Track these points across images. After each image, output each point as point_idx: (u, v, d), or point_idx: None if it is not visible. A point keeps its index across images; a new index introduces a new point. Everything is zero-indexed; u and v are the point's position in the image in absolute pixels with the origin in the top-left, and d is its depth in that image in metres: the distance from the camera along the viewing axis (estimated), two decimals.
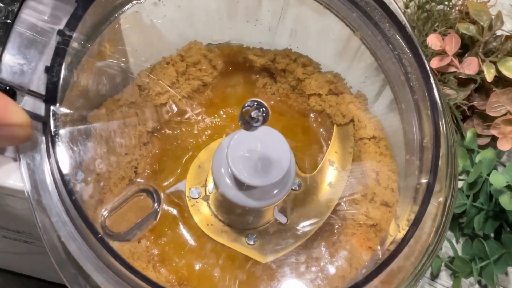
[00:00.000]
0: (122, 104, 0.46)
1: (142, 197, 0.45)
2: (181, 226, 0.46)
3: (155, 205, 0.44)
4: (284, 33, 0.51)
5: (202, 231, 0.46)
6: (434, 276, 0.62)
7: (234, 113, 0.50)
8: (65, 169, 0.37)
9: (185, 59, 0.49)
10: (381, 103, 0.50)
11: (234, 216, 0.45)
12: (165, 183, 0.46)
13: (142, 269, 0.43)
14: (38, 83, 0.38)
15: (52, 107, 0.37)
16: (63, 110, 0.38)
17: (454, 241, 0.63)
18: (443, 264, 0.62)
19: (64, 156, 0.37)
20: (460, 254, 0.61)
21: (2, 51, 0.37)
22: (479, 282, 0.62)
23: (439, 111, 0.43)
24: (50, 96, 0.37)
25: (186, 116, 0.49)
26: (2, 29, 0.37)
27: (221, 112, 0.50)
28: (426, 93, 0.43)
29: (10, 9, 0.38)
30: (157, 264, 0.44)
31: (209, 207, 0.46)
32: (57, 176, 0.37)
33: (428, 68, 0.44)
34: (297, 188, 0.48)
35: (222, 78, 0.51)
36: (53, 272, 0.59)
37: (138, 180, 0.46)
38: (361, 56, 0.50)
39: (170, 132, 0.48)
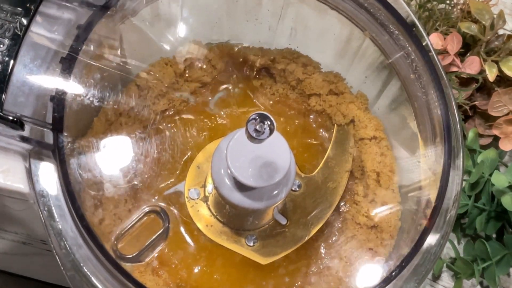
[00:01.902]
0: (122, 111, 0.46)
1: (152, 216, 0.45)
2: (180, 228, 0.45)
3: (165, 224, 0.44)
4: (284, 32, 0.51)
5: (202, 232, 0.45)
6: (436, 277, 0.62)
7: (233, 114, 0.50)
8: (76, 194, 0.38)
9: (185, 59, 0.49)
10: (382, 103, 0.50)
11: (234, 217, 0.45)
12: (164, 184, 0.46)
13: (140, 272, 0.43)
14: (43, 112, 0.39)
15: (59, 135, 0.38)
16: (70, 136, 0.40)
17: (455, 242, 0.62)
18: (444, 265, 0.61)
19: (74, 181, 0.39)
20: (461, 255, 0.61)
21: (7, 83, 0.37)
22: (481, 284, 0.62)
23: (448, 105, 0.43)
24: (57, 125, 0.39)
25: (185, 116, 0.49)
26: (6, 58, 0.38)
27: (222, 112, 0.50)
28: (434, 89, 0.44)
29: (18, 24, 0.38)
30: (156, 267, 0.44)
31: (209, 208, 0.46)
32: (69, 201, 0.38)
33: (439, 66, 0.44)
34: (297, 189, 0.47)
35: (221, 78, 0.50)
36: (50, 273, 0.59)
37: (136, 183, 0.45)
38: (362, 56, 0.49)
39: (169, 133, 0.48)
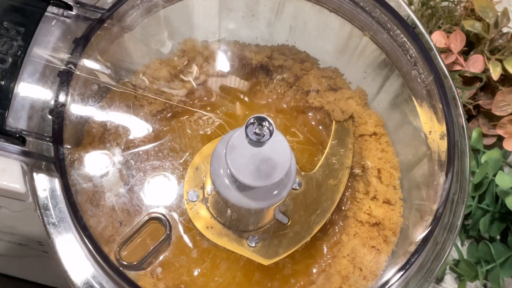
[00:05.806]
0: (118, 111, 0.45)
1: (154, 223, 0.45)
2: (180, 230, 0.45)
3: (167, 231, 0.44)
4: (282, 28, 0.50)
5: (202, 234, 0.45)
6: (439, 280, 0.61)
7: (231, 112, 0.49)
8: (78, 205, 0.39)
9: (180, 58, 0.48)
10: (383, 99, 0.49)
11: (234, 218, 0.44)
12: (163, 187, 0.46)
13: (140, 275, 0.42)
14: (42, 125, 0.40)
15: (59, 147, 0.39)
16: (69, 147, 0.41)
17: (459, 244, 0.62)
18: (448, 267, 0.61)
19: (76, 192, 0.40)
20: (465, 257, 0.61)
21: (11, 100, 0.39)
22: (484, 286, 0.61)
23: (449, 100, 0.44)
24: (57, 137, 0.39)
25: (181, 117, 0.48)
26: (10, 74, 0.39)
27: (218, 111, 0.49)
28: (436, 86, 0.44)
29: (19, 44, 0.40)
30: (156, 270, 0.43)
31: (208, 209, 0.45)
32: (72, 213, 0.38)
33: (439, 59, 0.44)
34: (298, 187, 0.47)
35: (217, 76, 0.50)
36: (47, 275, 0.58)
37: (135, 188, 0.45)
38: (361, 52, 0.49)
39: (165, 134, 0.47)
